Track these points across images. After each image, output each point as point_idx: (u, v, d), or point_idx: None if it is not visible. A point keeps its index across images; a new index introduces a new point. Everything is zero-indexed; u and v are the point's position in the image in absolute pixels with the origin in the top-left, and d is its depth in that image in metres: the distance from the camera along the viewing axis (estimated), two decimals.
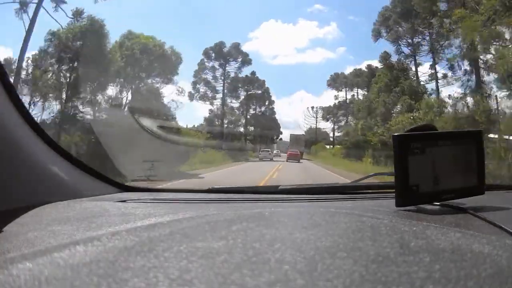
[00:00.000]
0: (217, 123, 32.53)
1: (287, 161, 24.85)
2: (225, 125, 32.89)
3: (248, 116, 36.15)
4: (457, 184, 0.99)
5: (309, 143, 35.96)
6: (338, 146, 32.94)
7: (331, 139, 38.98)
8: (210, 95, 33.93)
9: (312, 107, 38.87)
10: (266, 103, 36.56)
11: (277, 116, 37.48)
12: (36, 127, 1.10)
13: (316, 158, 30.34)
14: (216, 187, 1.47)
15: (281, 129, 37.41)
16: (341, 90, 35.45)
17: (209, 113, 33.40)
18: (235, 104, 35.35)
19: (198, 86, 32.93)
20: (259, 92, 35.97)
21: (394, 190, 0.96)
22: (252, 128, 36.30)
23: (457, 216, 0.90)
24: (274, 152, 31.75)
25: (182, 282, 0.37)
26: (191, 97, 32.58)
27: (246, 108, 35.53)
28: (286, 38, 45.40)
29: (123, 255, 0.45)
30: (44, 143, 1.14)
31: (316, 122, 38.91)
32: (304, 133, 36.41)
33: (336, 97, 36.04)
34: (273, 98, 38.08)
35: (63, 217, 0.89)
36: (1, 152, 0.95)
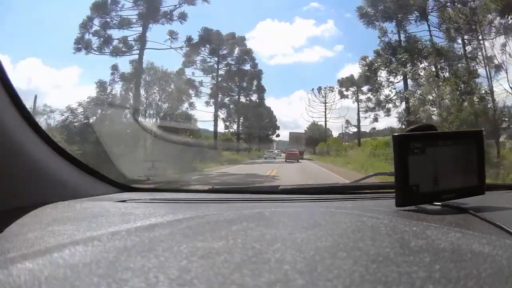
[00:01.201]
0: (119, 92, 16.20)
1: (286, 161, 22.73)
2: (153, 95, 16.91)
3: (226, 100, 23.32)
4: (457, 184, 0.99)
5: (313, 142, 28.85)
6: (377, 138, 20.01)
7: (329, 134, 27.44)
8: (123, 44, 16.80)
9: (319, 88, 25.99)
10: (254, 84, 23.35)
11: (275, 115, 28.68)
12: (36, 127, 1.10)
13: (332, 162, 19.31)
14: (216, 187, 1.47)
15: (280, 127, 29.81)
16: (386, 17, 17.44)
17: (113, 73, 16.63)
18: (200, 77, 21.11)
19: (94, 25, 16.82)
20: (236, 52, 22.27)
21: (394, 190, 0.96)
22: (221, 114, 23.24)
23: (457, 216, 0.90)
24: (276, 152, 30.42)
25: (182, 282, 0.37)
26: (79, 44, 16.51)
27: (215, 84, 21.88)
28: (283, 37, 44.66)
29: (123, 255, 0.45)
30: (44, 143, 1.14)
31: (326, 108, 26.19)
32: (305, 130, 30.28)
33: (383, 31, 17.68)
34: (269, 96, 28.07)
35: (63, 217, 0.89)
36: (1, 152, 0.95)
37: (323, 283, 0.38)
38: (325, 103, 25.67)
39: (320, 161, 20.66)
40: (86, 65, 29.46)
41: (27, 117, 1.07)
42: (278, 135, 31.02)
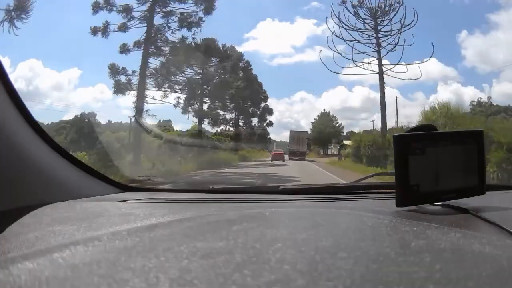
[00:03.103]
0: None
1: (271, 161, 22.26)
2: None
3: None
4: (457, 184, 0.99)
5: (323, 139, 24.30)
6: None
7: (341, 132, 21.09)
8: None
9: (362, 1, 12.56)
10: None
11: (265, 89, 23.40)
12: (36, 127, 1.10)
13: None
14: (216, 187, 1.47)
15: (272, 110, 25.71)
16: None
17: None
18: None
19: None
20: None
21: (394, 190, 0.95)
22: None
23: (458, 216, 0.90)
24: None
25: (182, 282, 0.37)
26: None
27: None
28: (284, 37, 44.33)
29: (124, 255, 0.45)
30: (45, 143, 1.14)
31: (380, 58, 12.56)
32: (313, 122, 27.19)
33: None
34: (270, 97, 22.56)
35: (64, 217, 0.89)
36: (1, 152, 0.95)
37: (324, 283, 0.38)
38: (377, 27, 10.24)
39: None
40: (85, 66, 29.93)
41: (28, 117, 1.07)
42: (270, 123, 25.53)
